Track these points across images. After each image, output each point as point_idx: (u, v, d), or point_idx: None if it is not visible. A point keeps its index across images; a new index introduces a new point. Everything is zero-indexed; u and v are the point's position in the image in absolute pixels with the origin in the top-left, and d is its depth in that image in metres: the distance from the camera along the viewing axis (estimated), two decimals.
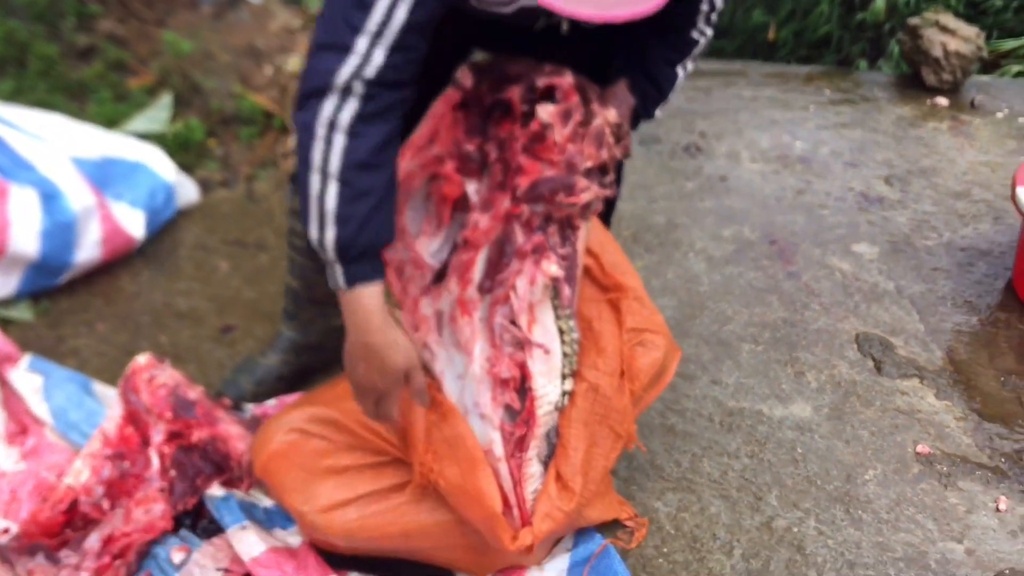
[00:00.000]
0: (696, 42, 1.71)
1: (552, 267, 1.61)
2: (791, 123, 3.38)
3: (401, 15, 1.31)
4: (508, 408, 1.63)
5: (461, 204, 1.67)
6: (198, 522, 1.82)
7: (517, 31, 1.63)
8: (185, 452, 1.84)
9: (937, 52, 3.49)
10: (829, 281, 2.57)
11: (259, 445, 1.73)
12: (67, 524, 1.76)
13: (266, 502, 1.85)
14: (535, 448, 1.65)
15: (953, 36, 3.51)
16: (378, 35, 1.31)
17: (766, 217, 2.83)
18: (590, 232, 1.74)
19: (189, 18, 3.34)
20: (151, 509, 1.78)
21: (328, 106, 1.33)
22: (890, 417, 2.14)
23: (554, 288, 1.65)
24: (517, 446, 1.64)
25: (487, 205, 1.64)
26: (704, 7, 1.66)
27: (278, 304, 2.36)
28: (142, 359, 1.90)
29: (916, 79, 3.62)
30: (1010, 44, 3.90)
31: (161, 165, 2.57)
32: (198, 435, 1.84)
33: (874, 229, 2.79)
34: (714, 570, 1.80)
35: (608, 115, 1.62)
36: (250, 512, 1.81)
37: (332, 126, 1.34)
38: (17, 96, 2.87)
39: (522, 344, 1.62)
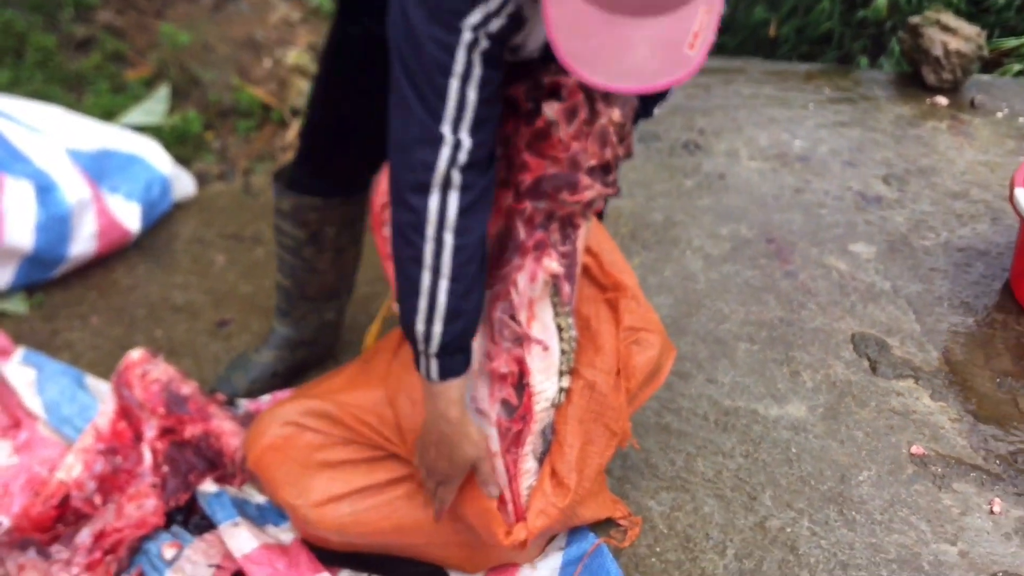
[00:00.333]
0: None
1: (553, 264, 1.61)
2: (790, 121, 3.37)
3: (472, 96, 1.32)
4: (505, 403, 1.63)
5: None
6: (190, 518, 1.82)
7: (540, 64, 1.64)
8: (178, 448, 1.84)
9: (938, 51, 3.48)
10: (826, 280, 2.56)
11: (253, 438, 1.72)
12: (59, 519, 1.76)
13: (259, 498, 1.85)
14: (531, 444, 1.65)
15: (954, 35, 3.49)
16: (458, 120, 1.33)
17: (764, 216, 2.82)
18: (590, 230, 1.73)
19: (188, 9, 3.34)
20: (143, 505, 1.77)
21: (433, 204, 1.35)
22: (885, 418, 2.14)
23: (554, 285, 1.64)
24: (513, 442, 1.64)
25: None
26: None
27: (273, 299, 2.35)
28: (135, 354, 1.89)
29: (916, 78, 3.61)
30: (1012, 43, 3.89)
31: (158, 158, 2.57)
32: (191, 431, 1.84)
33: (872, 229, 2.78)
34: (707, 570, 1.79)
35: (612, 114, 1.61)
36: (242, 508, 1.80)
37: (441, 225, 1.36)
38: (14, 87, 2.86)
39: (521, 340, 1.62)
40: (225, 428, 1.85)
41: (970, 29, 3.51)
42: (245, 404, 2.03)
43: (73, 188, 2.32)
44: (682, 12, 1.16)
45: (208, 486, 1.82)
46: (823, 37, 4.23)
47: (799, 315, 2.43)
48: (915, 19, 3.60)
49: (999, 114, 3.41)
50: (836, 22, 4.16)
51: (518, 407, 1.63)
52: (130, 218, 2.42)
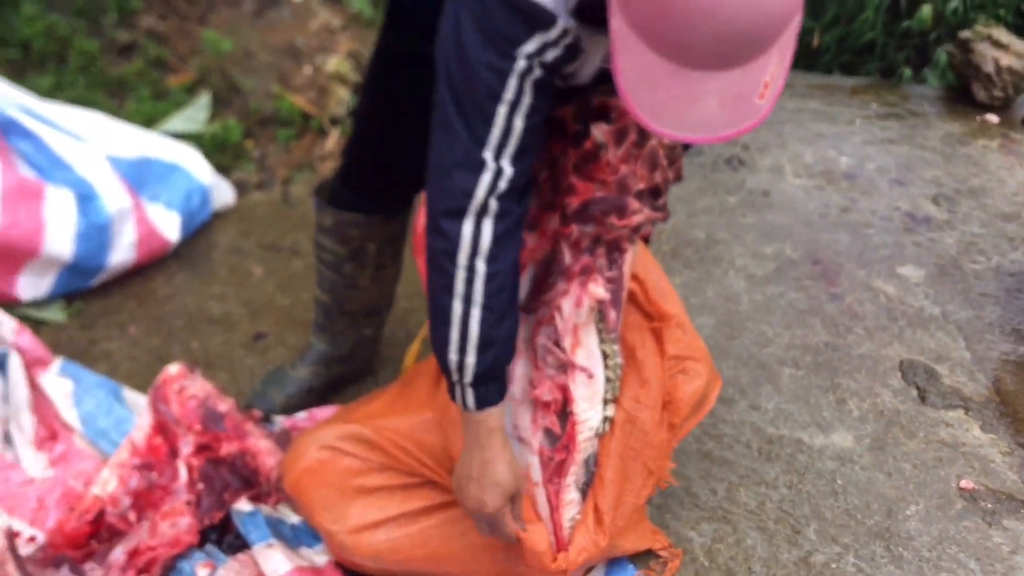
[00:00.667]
0: None
1: (599, 290, 1.57)
2: (836, 137, 3.31)
3: (519, 124, 1.30)
4: (548, 432, 1.60)
5: None
6: (224, 537, 1.80)
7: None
8: (213, 465, 1.82)
9: (989, 67, 3.40)
10: (873, 304, 2.50)
11: (290, 461, 1.70)
12: (93, 535, 1.75)
13: (293, 519, 1.83)
14: (574, 475, 1.62)
15: (1006, 51, 3.41)
16: (502, 146, 1.31)
17: (809, 235, 2.76)
18: (636, 255, 1.69)
19: (230, 15, 3.33)
20: (177, 523, 1.75)
21: (467, 230, 1.33)
22: (934, 449, 2.08)
23: (599, 311, 1.61)
24: (556, 471, 1.60)
25: (535, 223, 1.61)
26: None
27: (311, 312, 2.34)
28: (173, 369, 1.88)
29: (966, 94, 3.52)
30: None
31: (198, 167, 2.56)
32: (227, 448, 1.82)
33: (920, 251, 2.71)
34: None
35: (663, 136, 1.57)
36: (277, 529, 1.78)
37: (474, 253, 1.34)
38: (57, 92, 2.86)
39: (565, 367, 1.58)
40: (261, 447, 1.83)
41: (1022, 45, 3.43)
42: (281, 421, 2.00)
43: (114, 197, 2.31)
44: (755, 64, 1.13)
45: (243, 505, 1.80)
46: (865, 47, 4.15)
47: (845, 340, 2.38)
48: (965, 34, 3.51)
49: None
50: (879, 32, 4.08)
51: (561, 436, 1.59)
52: (170, 227, 2.42)
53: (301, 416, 2.02)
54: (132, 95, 2.96)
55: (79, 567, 1.69)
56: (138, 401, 2.02)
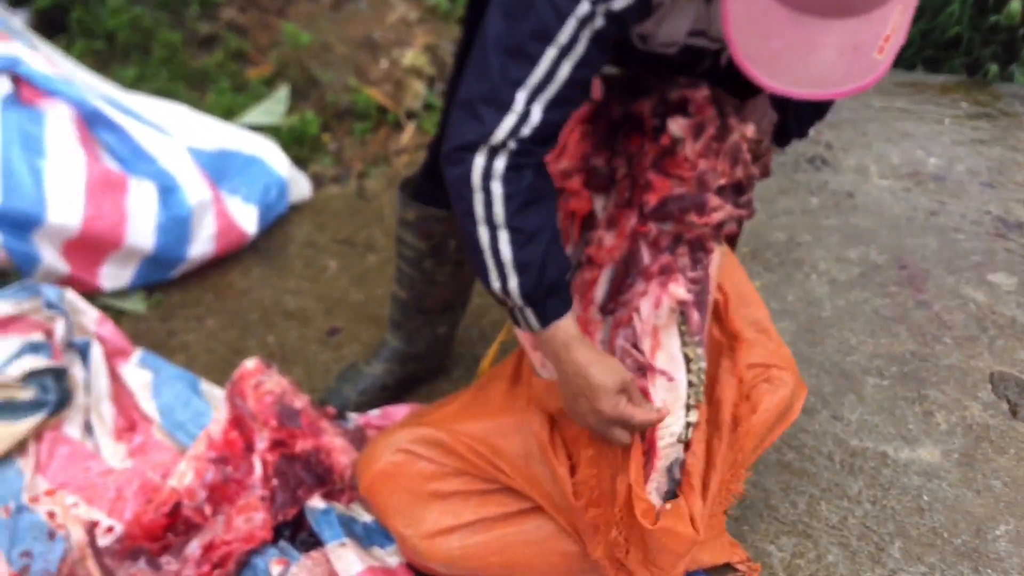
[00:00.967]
0: None
1: (680, 290, 1.52)
2: (924, 137, 3.19)
3: (565, 72, 1.25)
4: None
5: (588, 221, 1.59)
6: (297, 534, 1.80)
7: (681, 70, 1.54)
8: (288, 461, 1.82)
9: None
10: (962, 312, 2.40)
11: (365, 463, 1.69)
12: (169, 528, 1.76)
13: (366, 517, 1.82)
14: (655, 482, 1.57)
15: None
16: (538, 90, 1.26)
17: (895, 239, 2.67)
18: (723, 257, 1.64)
19: (309, 8, 3.34)
20: (252, 518, 1.76)
21: (480, 160, 1.29)
22: None
23: (681, 313, 1.55)
24: None
25: (613, 222, 1.57)
26: None
27: (384, 307, 2.33)
28: (250, 364, 1.89)
29: None
30: None
31: (276, 159, 2.57)
32: (302, 445, 1.82)
33: (1012, 257, 2.60)
34: None
35: (746, 130, 1.52)
36: (349, 527, 1.78)
37: (487, 175, 1.30)
38: (140, 83, 2.90)
39: (644, 370, 1.54)
40: (336, 444, 1.83)
41: None
42: (355, 418, 2.00)
43: (194, 189, 2.34)
44: (876, 14, 1.06)
45: (316, 502, 1.79)
46: (950, 42, 4.01)
47: (933, 350, 2.29)
48: None
49: None
50: (965, 26, 3.94)
51: (641, 442, 1.55)
52: (247, 220, 2.43)
53: (375, 414, 2.01)
54: (212, 87, 2.99)
55: (156, 560, 1.71)
56: (215, 394, 2.04)
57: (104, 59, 3.01)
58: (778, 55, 1.09)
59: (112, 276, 2.27)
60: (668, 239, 1.54)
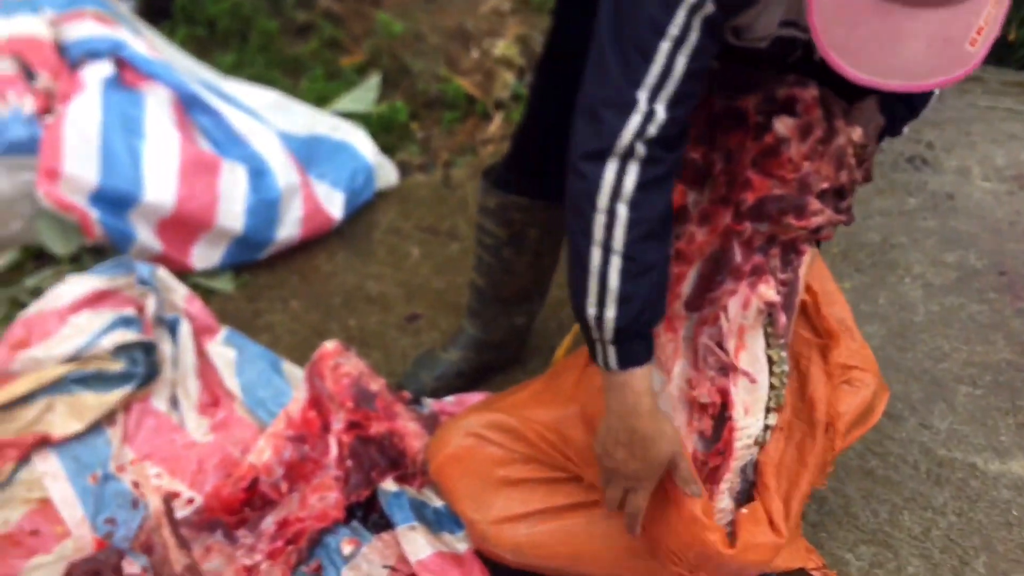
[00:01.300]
0: None
1: (770, 292, 1.49)
2: None
3: (681, 64, 1.22)
4: (702, 436, 1.53)
5: (681, 215, 1.56)
6: (369, 515, 1.82)
7: (771, 62, 1.51)
8: (363, 443, 1.84)
9: None
10: None
11: (436, 446, 1.71)
12: (247, 502, 1.80)
13: (437, 502, 1.83)
14: (728, 482, 1.54)
15: None
16: (659, 88, 1.23)
17: (996, 244, 2.56)
18: (814, 259, 1.59)
19: None
20: (326, 497, 1.79)
21: (610, 173, 1.26)
22: None
23: (769, 315, 1.52)
24: (709, 478, 1.53)
25: (705, 218, 1.54)
26: None
27: (464, 296, 2.34)
28: (330, 345, 1.91)
29: None
30: None
31: (364, 146, 2.61)
32: (376, 428, 1.84)
33: None
34: None
35: (853, 134, 1.47)
36: (420, 511, 1.79)
37: (615, 196, 1.26)
38: (237, 69, 2.98)
39: (727, 370, 1.51)
40: (409, 429, 1.84)
41: None
42: (430, 404, 2.01)
43: (284, 173, 2.38)
44: (969, 4, 1.02)
45: (389, 485, 1.81)
46: None
47: None
48: None
49: None
50: None
51: (716, 441, 1.52)
52: (334, 205, 2.47)
53: (449, 400, 2.02)
54: (306, 74, 3.04)
55: (232, 532, 1.75)
56: (296, 374, 2.07)
57: (204, 45, 3.09)
58: (864, 44, 1.06)
59: (203, 256, 2.34)
60: (762, 239, 1.51)
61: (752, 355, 1.51)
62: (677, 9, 1.19)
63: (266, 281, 2.41)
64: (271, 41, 3.12)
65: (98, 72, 2.35)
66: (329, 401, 1.87)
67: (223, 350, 2.10)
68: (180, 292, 2.15)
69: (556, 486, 1.62)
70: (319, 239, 2.49)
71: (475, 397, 2.03)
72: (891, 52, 1.05)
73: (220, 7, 3.13)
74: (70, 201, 2.21)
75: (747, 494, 1.58)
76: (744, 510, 1.54)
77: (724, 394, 1.49)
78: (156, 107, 2.33)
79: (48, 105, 2.35)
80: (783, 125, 1.43)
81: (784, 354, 1.53)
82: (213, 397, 2.02)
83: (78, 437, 1.90)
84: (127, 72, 2.41)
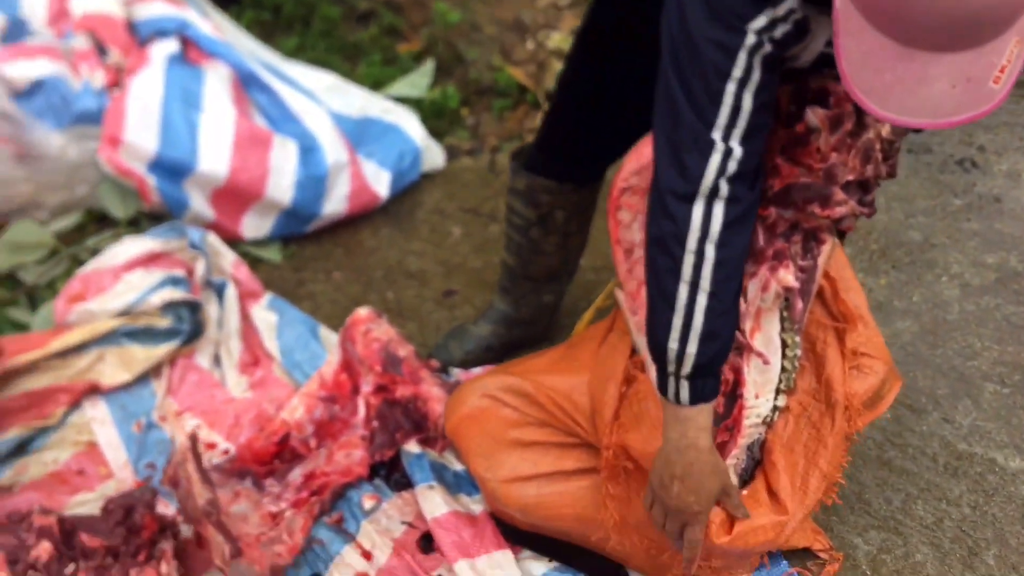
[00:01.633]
0: None
1: (789, 277, 1.53)
2: None
3: (748, 101, 1.28)
4: (713, 412, 1.57)
5: None
6: (391, 474, 1.91)
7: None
8: (389, 406, 1.92)
9: None
10: None
11: (452, 406, 1.78)
12: (277, 455, 1.90)
13: (457, 466, 1.90)
14: (735, 458, 1.58)
15: None
16: (731, 126, 1.29)
17: None
18: (834, 249, 1.62)
19: None
20: (351, 454, 1.88)
21: (698, 214, 1.32)
22: None
23: (786, 300, 1.56)
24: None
25: None
26: None
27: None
28: (362, 311, 2.00)
29: None
30: None
31: (413, 129, 2.69)
32: (402, 391, 1.92)
33: None
34: None
35: (882, 129, 1.50)
36: (440, 474, 1.86)
37: (704, 237, 1.32)
38: (299, 52, 3.09)
39: (741, 349, 1.55)
40: (433, 393, 1.92)
41: None
42: (457, 373, 2.09)
43: (333, 151, 2.48)
44: (990, 46, 1.06)
45: (412, 446, 1.89)
46: None
47: None
48: None
49: None
50: None
51: (726, 417, 1.56)
52: (380, 184, 2.56)
53: (476, 371, 2.09)
54: (364, 59, 3.14)
55: (261, 481, 1.84)
56: (331, 339, 2.17)
57: (269, 29, 3.21)
58: (891, 87, 1.10)
59: (253, 226, 2.45)
60: (785, 226, 1.54)
61: (767, 337, 1.55)
62: (738, 53, 1.25)
63: (312, 253, 2.51)
64: (333, 27, 3.23)
65: (164, 49, 2.48)
66: (359, 364, 1.95)
67: (265, 314, 2.20)
68: (228, 258, 2.26)
69: (566, 451, 1.68)
70: (365, 215, 2.59)
71: None
72: (917, 93, 1.10)
73: None
74: (129, 167, 2.34)
75: (751, 472, 1.63)
76: (744, 492, 1.58)
77: (737, 372, 1.54)
78: (215, 83, 2.45)
79: (117, 79, 2.49)
80: (814, 115, 1.47)
81: (798, 339, 1.57)
82: (253, 357, 2.13)
83: (125, 387, 2.04)
84: (191, 50, 2.53)
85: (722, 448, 1.57)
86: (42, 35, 2.52)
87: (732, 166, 1.30)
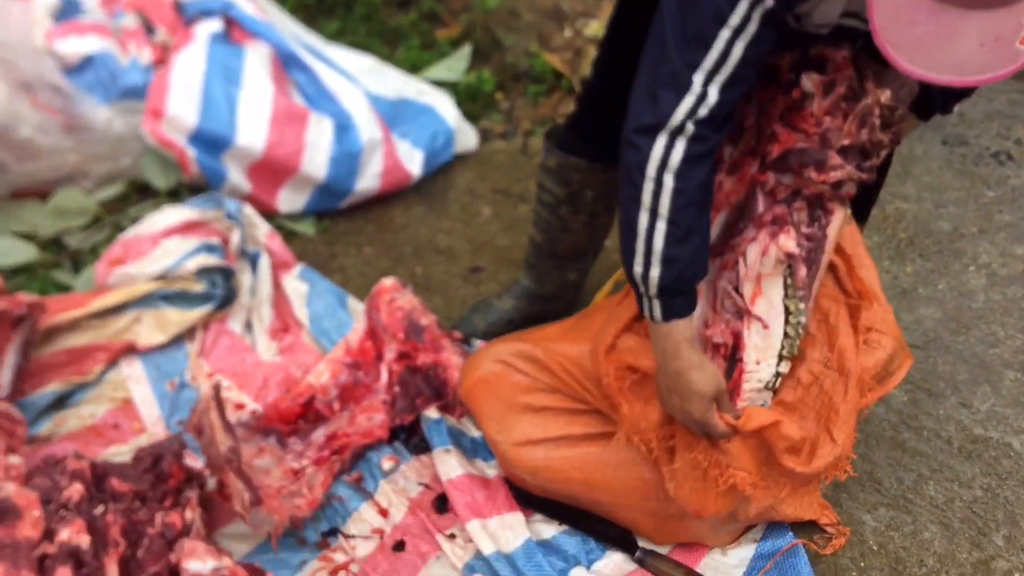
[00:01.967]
0: None
1: (789, 242, 1.56)
2: None
3: (738, 51, 1.32)
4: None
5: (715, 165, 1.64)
6: (410, 438, 1.97)
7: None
8: (410, 372, 1.98)
9: None
10: None
11: (467, 371, 1.83)
12: (301, 416, 1.97)
13: (474, 432, 1.95)
14: None
15: None
16: (714, 72, 1.33)
17: None
18: (847, 220, 1.64)
19: None
20: (373, 417, 1.94)
21: (659, 147, 1.37)
22: None
23: (789, 266, 1.59)
24: None
25: (735, 167, 1.62)
26: None
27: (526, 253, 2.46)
28: (388, 281, 2.06)
29: None
30: None
31: (447, 111, 2.75)
32: (423, 359, 1.97)
33: None
34: None
35: (881, 95, 1.53)
36: (457, 439, 1.92)
37: (663, 167, 1.38)
38: (340, 36, 3.17)
39: (741, 314, 1.58)
40: (453, 362, 1.97)
41: None
42: (479, 344, 2.14)
43: (367, 129, 2.55)
44: (1019, 6, 1.09)
45: (431, 412, 1.95)
46: None
47: None
48: None
49: None
50: None
51: (727, 379, 1.59)
52: (413, 163, 2.62)
53: None
54: (403, 44, 3.21)
55: (284, 439, 1.92)
56: (359, 309, 2.24)
57: (312, 13, 3.29)
58: (919, 42, 1.13)
59: (288, 200, 2.52)
60: (786, 192, 1.57)
61: (769, 303, 1.58)
62: (739, 2, 1.28)
63: (344, 228, 2.58)
64: (374, 12, 3.30)
65: (208, 28, 2.57)
66: (383, 332, 2.01)
67: (296, 284, 2.28)
68: (263, 229, 2.34)
69: (575, 416, 1.72)
70: (397, 194, 2.65)
71: None
72: (944, 49, 1.13)
73: None
74: (170, 139, 2.43)
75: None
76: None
77: (736, 336, 1.57)
78: (255, 61, 2.53)
79: (163, 57, 2.58)
80: (809, 80, 1.50)
81: (803, 306, 1.59)
82: (283, 324, 2.20)
83: (160, 348, 2.12)
84: (234, 30, 2.61)
85: None
86: (93, 14, 2.62)
87: (703, 111, 1.34)
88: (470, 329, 2.18)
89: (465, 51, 3.13)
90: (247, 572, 1.56)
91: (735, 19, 1.29)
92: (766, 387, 1.59)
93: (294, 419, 1.96)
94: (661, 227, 1.41)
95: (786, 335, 1.59)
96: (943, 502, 1.85)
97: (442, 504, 1.83)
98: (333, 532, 1.80)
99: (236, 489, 1.62)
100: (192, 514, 1.65)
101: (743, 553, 1.74)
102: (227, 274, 2.17)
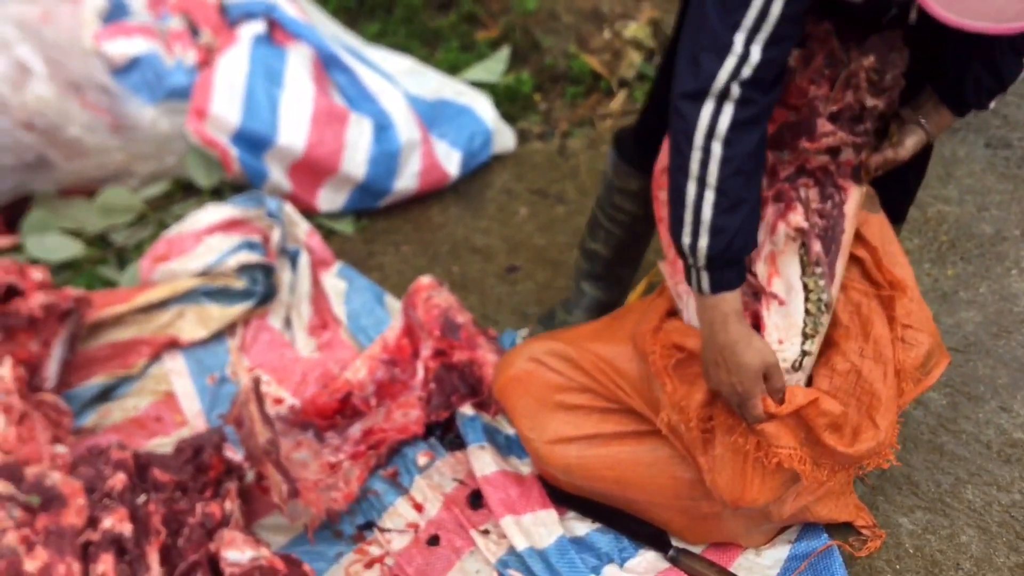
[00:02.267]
0: None
1: (797, 217, 1.56)
2: None
3: (777, 8, 1.31)
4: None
5: None
6: (446, 435, 1.99)
7: (864, 20, 1.57)
8: (446, 370, 2.00)
9: None
10: None
11: (501, 368, 1.85)
12: (338, 411, 2.00)
13: (509, 430, 1.97)
14: None
15: None
16: (755, 30, 1.32)
17: None
18: (865, 197, 1.63)
19: None
20: (409, 414, 1.96)
21: (706, 113, 1.36)
22: None
23: (803, 244, 1.58)
24: None
25: None
26: None
27: (563, 254, 2.47)
28: (425, 280, 2.09)
29: None
30: None
31: (486, 112, 2.77)
32: (459, 356, 1.99)
33: None
34: None
35: (864, 60, 1.53)
36: (492, 436, 1.94)
37: (711, 135, 1.37)
38: (380, 37, 3.20)
39: (759, 293, 1.58)
40: (489, 359, 1.99)
41: None
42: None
43: (406, 130, 2.58)
44: None
45: (466, 409, 1.97)
46: None
47: None
48: None
49: None
50: None
51: None
52: (451, 163, 2.65)
53: None
54: (443, 46, 3.23)
55: (322, 434, 1.95)
56: (395, 307, 2.26)
57: (353, 15, 3.33)
58: None
59: (328, 199, 2.56)
60: (789, 169, 1.58)
61: (786, 281, 1.58)
62: None
63: (383, 227, 2.61)
64: (414, 14, 3.33)
65: (251, 30, 2.61)
66: (420, 329, 2.04)
67: (335, 281, 2.31)
68: (303, 227, 2.38)
69: (607, 415, 1.73)
70: (435, 193, 2.68)
71: None
72: None
73: None
74: (214, 138, 2.48)
75: None
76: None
77: (756, 317, 1.56)
78: (297, 62, 2.57)
79: (208, 58, 2.63)
80: (791, 57, 1.50)
81: (822, 283, 1.58)
82: (322, 321, 2.24)
83: (202, 343, 2.16)
84: (277, 31, 2.66)
85: None
86: (140, 16, 2.68)
87: (747, 71, 1.32)
88: None
89: (504, 53, 3.15)
90: (284, 563, 1.59)
91: None
92: (792, 367, 1.57)
93: (331, 414, 1.99)
94: (709, 196, 1.39)
95: (807, 312, 1.58)
96: (981, 506, 1.83)
97: (476, 500, 1.85)
98: (369, 526, 1.83)
99: (274, 481, 1.65)
100: (231, 505, 1.68)
101: (777, 554, 1.74)
102: (268, 271, 2.21)
